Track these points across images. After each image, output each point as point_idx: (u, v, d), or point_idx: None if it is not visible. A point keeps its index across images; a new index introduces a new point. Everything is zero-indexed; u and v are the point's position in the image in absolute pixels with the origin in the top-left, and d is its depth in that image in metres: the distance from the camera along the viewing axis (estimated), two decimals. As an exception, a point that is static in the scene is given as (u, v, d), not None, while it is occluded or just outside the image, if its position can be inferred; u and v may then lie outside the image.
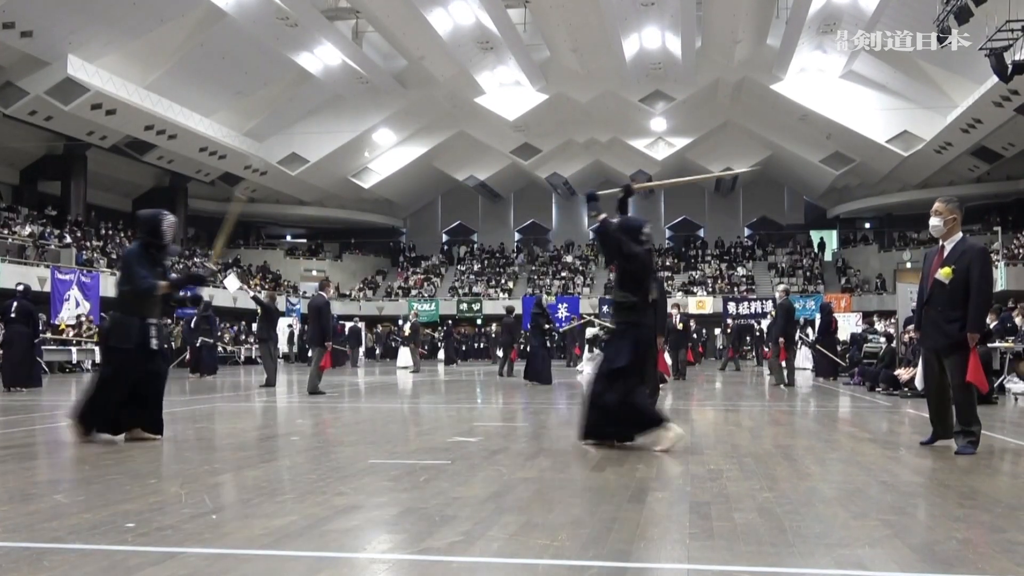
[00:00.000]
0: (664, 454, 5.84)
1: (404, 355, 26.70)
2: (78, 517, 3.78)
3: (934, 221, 6.20)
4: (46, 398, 12.48)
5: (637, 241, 6.44)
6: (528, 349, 17.02)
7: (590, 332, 21.27)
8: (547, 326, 17.21)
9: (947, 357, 6.03)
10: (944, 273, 6.01)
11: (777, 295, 16.29)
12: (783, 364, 15.08)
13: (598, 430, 6.30)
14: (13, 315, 14.38)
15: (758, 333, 33.54)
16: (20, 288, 14.84)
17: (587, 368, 21.04)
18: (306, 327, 34.67)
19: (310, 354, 16.26)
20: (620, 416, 6.19)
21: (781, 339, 15.02)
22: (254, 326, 33.43)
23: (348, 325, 29.04)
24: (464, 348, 37.45)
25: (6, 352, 14.40)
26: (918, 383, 10.57)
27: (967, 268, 5.96)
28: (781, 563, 3.09)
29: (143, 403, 6.79)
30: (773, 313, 15.72)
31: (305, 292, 40.91)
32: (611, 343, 6.56)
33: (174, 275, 7.16)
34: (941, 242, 6.23)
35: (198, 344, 20.59)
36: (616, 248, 6.42)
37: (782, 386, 14.73)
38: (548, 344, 17.27)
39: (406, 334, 26.30)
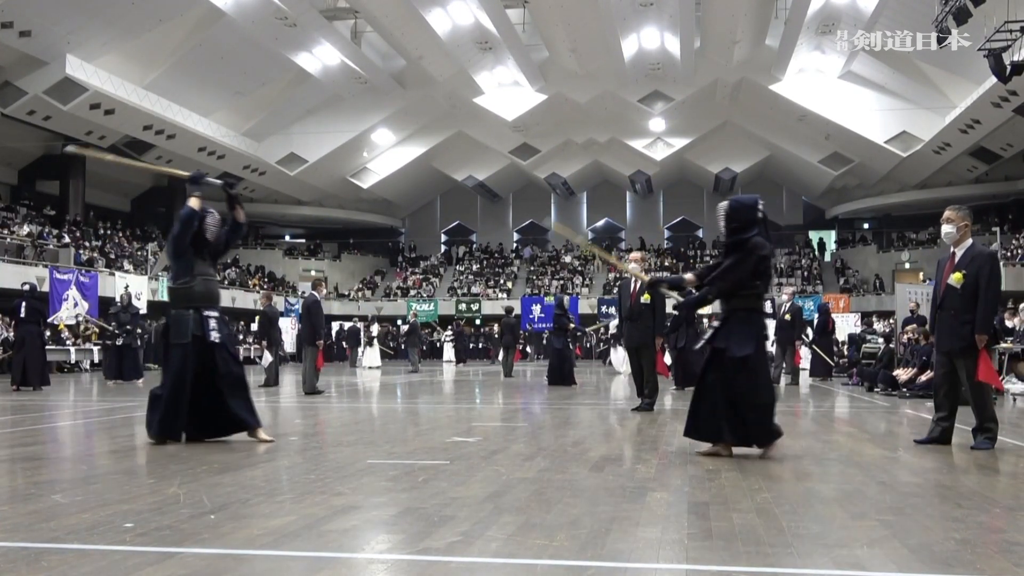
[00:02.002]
0: (662, 455, 5.84)
1: (372, 354, 26.82)
2: (76, 517, 3.78)
3: (947, 228, 6.47)
4: (50, 398, 12.47)
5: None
6: (551, 351, 16.46)
7: (613, 327, 21.21)
8: (571, 326, 17.14)
9: (960, 359, 6.30)
10: (956, 278, 6.29)
11: (785, 297, 16.47)
12: (782, 364, 15.21)
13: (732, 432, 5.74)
14: (23, 315, 14.42)
15: None
16: (27, 287, 14.88)
17: (622, 366, 21.02)
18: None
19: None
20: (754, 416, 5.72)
21: (797, 341, 15.43)
22: (253, 326, 33.49)
23: (348, 325, 29.09)
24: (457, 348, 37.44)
25: (18, 352, 14.42)
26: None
27: (977, 272, 6.22)
28: (779, 563, 3.09)
29: (222, 403, 6.40)
30: (783, 316, 15.69)
31: (303, 292, 40.94)
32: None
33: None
34: (952, 248, 6.46)
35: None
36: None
37: (788, 386, 14.95)
38: (571, 345, 17.15)
39: (371, 335, 26.57)
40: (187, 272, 6.53)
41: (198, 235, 6.58)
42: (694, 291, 6.24)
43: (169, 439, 6.37)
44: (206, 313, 6.46)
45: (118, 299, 17.87)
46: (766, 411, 5.76)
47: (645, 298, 9.46)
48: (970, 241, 6.43)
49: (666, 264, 42.88)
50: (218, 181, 6.76)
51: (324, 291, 14.46)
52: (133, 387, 14.99)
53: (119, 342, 16.22)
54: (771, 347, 28.89)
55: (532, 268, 44.62)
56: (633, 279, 9.59)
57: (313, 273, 43.38)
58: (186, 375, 6.34)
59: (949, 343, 6.37)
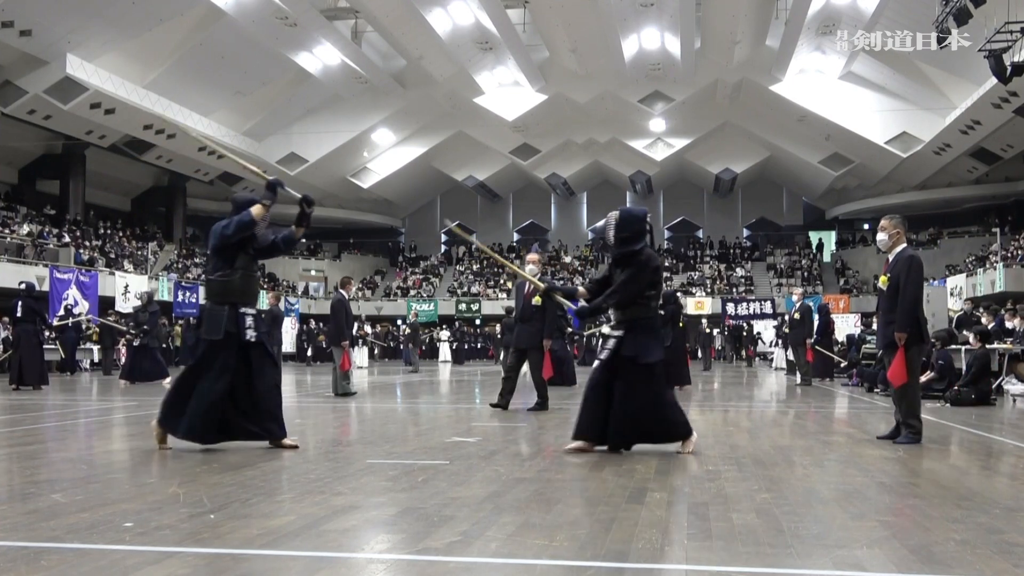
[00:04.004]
0: (663, 455, 5.84)
1: (361, 354, 26.75)
2: (76, 516, 3.77)
3: (880, 236, 6.96)
4: (49, 397, 12.47)
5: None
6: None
7: (606, 329, 21.27)
8: (569, 329, 17.22)
9: (887, 356, 6.78)
10: (882, 281, 6.84)
11: (795, 297, 16.73)
12: (791, 363, 15.35)
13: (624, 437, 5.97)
14: (19, 315, 14.38)
15: (744, 334, 33.73)
16: (23, 287, 14.80)
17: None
18: (305, 327, 34.99)
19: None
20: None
21: (808, 340, 15.56)
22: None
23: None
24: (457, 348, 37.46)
25: (15, 352, 14.40)
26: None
27: (898, 275, 6.65)
28: (779, 564, 3.09)
29: (254, 405, 6.13)
30: (793, 316, 15.99)
31: (302, 292, 40.96)
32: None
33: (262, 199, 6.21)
34: (887, 254, 6.94)
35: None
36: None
37: (798, 385, 15.08)
38: (568, 345, 17.25)
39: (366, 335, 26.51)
40: (227, 265, 6.23)
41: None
42: (584, 302, 6.35)
43: (196, 441, 6.09)
44: (242, 310, 6.19)
45: (137, 298, 17.76)
46: (677, 407, 6.03)
47: (536, 301, 9.49)
48: (902, 247, 6.83)
49: (666, 264, 42.91)
50: (298, 195, 6.37)
51: (353, 290, 14.13)
52: (157, 387, 14.88)
53: (136, 342, 16.07)
54: (772, 347, 28.99)
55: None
56: (527, 281, 9.62)
57: (314, 273, 43.44)
58: (213, 372, 6.06)
59: (879, 341, 6.98)
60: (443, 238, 49.51)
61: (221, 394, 6.03)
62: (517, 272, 7.45)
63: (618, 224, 6.05)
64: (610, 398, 5.94)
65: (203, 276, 6.01)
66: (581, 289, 6.42)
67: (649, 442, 5.97)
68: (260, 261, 6.59)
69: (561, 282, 42.02)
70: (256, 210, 6.16)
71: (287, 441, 6.17)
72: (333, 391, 12.63)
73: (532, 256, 9.98)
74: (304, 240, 47.06)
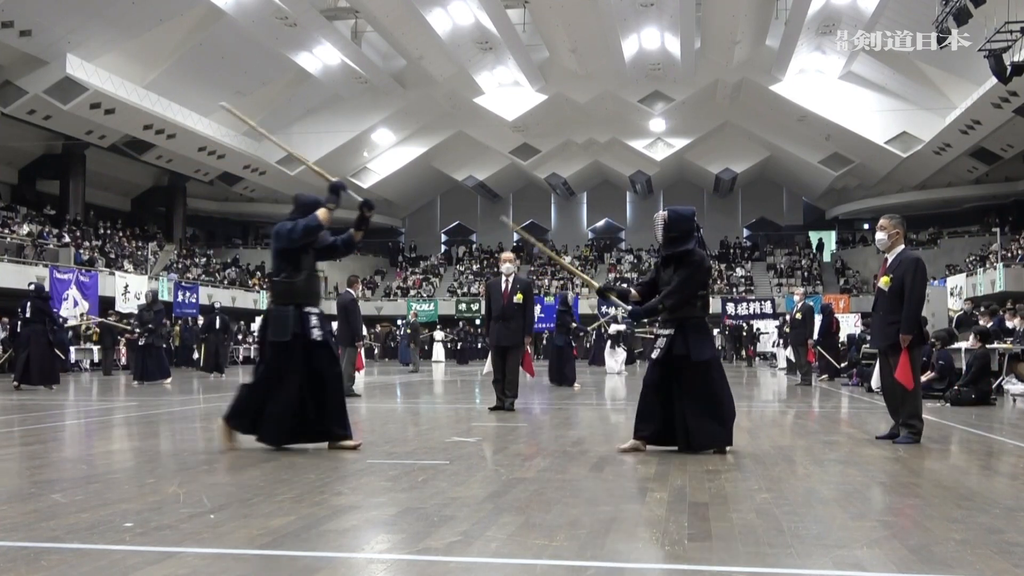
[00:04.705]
0: (663, 455, 5.84)
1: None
2: (76, 516, 3.77)
3: (879, 236, 6.92)
4: (53, 398, 12.46)
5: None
6: (552, 349, 16.59)
7: (614, 328, 21.23)
8: (573, 325, 17.26)
9: (891, 358, 6.68)
10: (884, 282, 6.77)
11: (797, 297, 16.71)
12: (788, 363, 15.35)
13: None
14: (28, 315, 14.45)
15: (744, 334, 33.75)
16: (32, 287, 14.94)
17: (614, 365, 21.06)
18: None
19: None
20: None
21: (809, 340, 15.62)
22: (253, 326, 33.50)
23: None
24: (460, 348, 37.46)
25: (22, 351, 14.43)
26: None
27: (902, 276, 6.62)
28: (779, 564, 3.09)
29: (320, 405, 6.07)
30: (795, 316, 16.03)
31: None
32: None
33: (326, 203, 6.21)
34: (885, 254, 6.91)
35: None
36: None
37: (798, 385, 15.11)
38: (573, 344, 17.29)
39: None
40: (292, 267, 6.20)
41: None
42: (635, 304, 6.31)
43: (271, 445, 6.02)
44: (307, 310, 6.14)
45: (137, 298, 17.79)
46: (731, 411, 6.00)
47: (518, 298, 9.48)
48: (901, 247, 6.83)
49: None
50: (359, 198, 6.40)
51: (360, 289, 13.96)
52: (158, 387, 14.89)
53: (142, 342, 16.08)
54: (773, 347, 28.96)
55: (532, 268, 44.62)
56: (504, 279, 9.62)
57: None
58: (283, 374, 6.01)
59: (878, 342, 6.90)
60: (443, 238, 49.50)
61: (294, 397, 6.01)
62: (577, 274, 7.45)
63: (667, 224, 6.06)
64: (667, 398, 5.97)
65: (267, 279, 5.95)
66: (633, 291, 6.39)
67: (714, 446, 5.90)
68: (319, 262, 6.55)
69: (561, 282, 42.12)
70: (322, 214, 6.16)
71: (348, 443, 6.08)
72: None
73: (507, 255, 10.06)
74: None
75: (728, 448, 5.94)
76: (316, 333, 6.11)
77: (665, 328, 6.08)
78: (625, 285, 8.72)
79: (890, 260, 6.80)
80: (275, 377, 6.05)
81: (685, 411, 5.89)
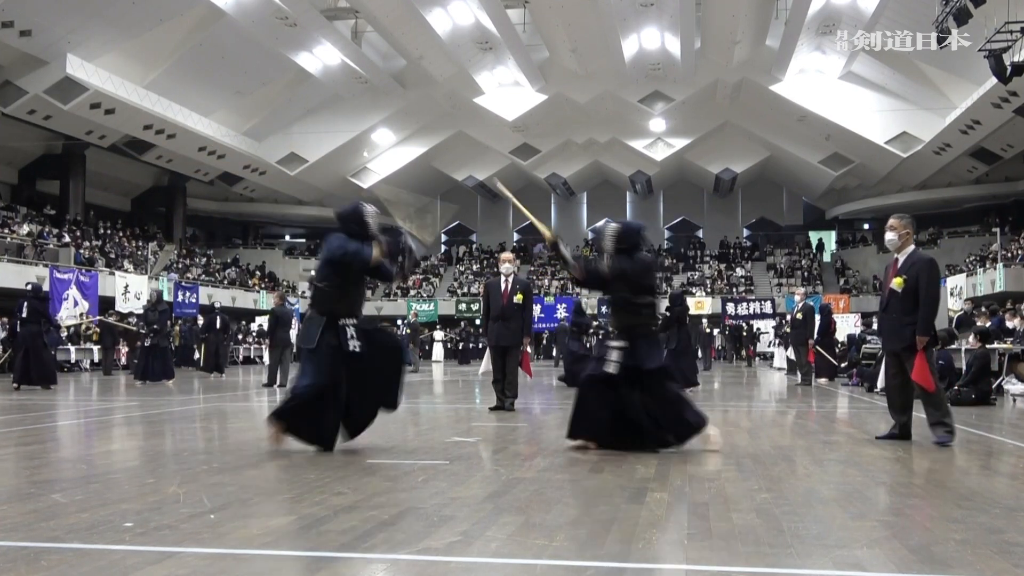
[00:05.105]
0: (663, 455, 5.84)
1: None
2: (76, 516, 3.77)
3: (889, 236, 6.83)
4: (52, 398, 12.46)
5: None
6: (566, 352, 16.99)
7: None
8: (591, 329, 17.49)
9: (906, 359, 6.61)
10: (897, 283, 6.66)
11: (797, 297, 16.75)
12: (792, 362, 15.38)
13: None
14: (24, 315, 14.44)
15: (744, 334, 33.76)
16: (29, 288, 14.91)
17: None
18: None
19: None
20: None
21: (810, 340, 15.61)
22: (253, 326, 33.50)
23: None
24: (463, 348, 37.47)
25: (20, 351, 14.43)
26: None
27: (916, 277, 6.56)
28: (779, 564, 3.09)
29: (363, 414, 6.10)
30: (795, 316, 16.07)
31: (304, 292, 40.92)
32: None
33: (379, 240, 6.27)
34: (895, 254, 6.82)
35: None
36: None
37: (798, 385, 15.11)
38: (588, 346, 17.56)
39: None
40: (337, 276, 6.19)
41: (363, 238, 6.36)
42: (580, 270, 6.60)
43: (323, 448, 5.98)
44: (343, 322, 6.07)
45: (144, 298, 17.77)
46: (690, 404, 6.21)
47: (518, 299, 9.49)
48: (912, 247, 6.79)
49: (666, 264, 42.91)
50: (411, 245, 6.63)
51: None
52: (161, 387, 14.88)
53: (147, 342, 16.05)
54: (773, 347, 28.96)
55: (532, 268, 44.64)
56: (503, 279, 9.63)
57: (314, 273, 43.28)
58: (334, 382, 5.95)
59: (893, 344, 6.77)
60: (443, 238, 49.50)
61: (341, 403, 5.99)
62: (536, 223, 7.69)
63: (618, 236, 6.39)
64: (610, 401, 6.07)
65: (311, 284, 5.94)
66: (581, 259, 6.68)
67: (679, 443, 6.05)
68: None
69: (560, 282, 42.13)
70: (376, 253, 6.21)
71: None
72: None
73: (506, 255, 10.16)
74: (304, 240, 47.08)
75: (711, 427, 6.08)
76: (353, 344, 6.03)
77: (616, 341, 6.25)
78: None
79: (901, 261, 6.72)
80: (325, 383, 5.96)
81: (657, 415, 5.99)
